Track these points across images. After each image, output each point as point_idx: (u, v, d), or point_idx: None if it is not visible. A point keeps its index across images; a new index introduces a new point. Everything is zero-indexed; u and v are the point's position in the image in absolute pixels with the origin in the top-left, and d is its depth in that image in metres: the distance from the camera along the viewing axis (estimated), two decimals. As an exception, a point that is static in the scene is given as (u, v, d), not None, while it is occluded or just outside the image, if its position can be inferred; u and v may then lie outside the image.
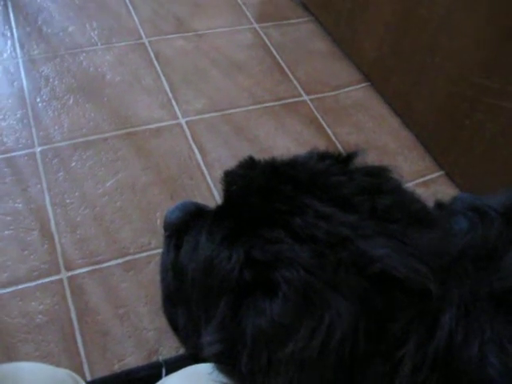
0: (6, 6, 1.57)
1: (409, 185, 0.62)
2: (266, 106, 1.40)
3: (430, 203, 0.61)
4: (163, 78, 1.42)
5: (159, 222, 1.10)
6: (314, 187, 0.58)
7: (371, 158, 1.26)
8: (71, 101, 1.33)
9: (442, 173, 1.33)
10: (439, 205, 0.64)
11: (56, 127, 1.26)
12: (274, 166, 0.65)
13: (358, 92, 1.51)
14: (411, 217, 0.55)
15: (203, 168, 1.23)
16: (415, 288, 0.45)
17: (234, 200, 0.64)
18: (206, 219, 0.65)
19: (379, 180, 0.61)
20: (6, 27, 1.51)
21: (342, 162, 0.65)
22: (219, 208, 0.66)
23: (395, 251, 0.48)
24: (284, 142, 1.33)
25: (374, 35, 1.45)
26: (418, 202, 0.60)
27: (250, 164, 0.74)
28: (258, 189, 0.60)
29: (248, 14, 1.68)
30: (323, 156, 0.67)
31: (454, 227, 0.54)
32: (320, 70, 1.54)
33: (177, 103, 1.36)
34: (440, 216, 0.58)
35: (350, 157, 0.65)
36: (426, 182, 1.32)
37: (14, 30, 1.50)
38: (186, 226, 0.70)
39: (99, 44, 1.49)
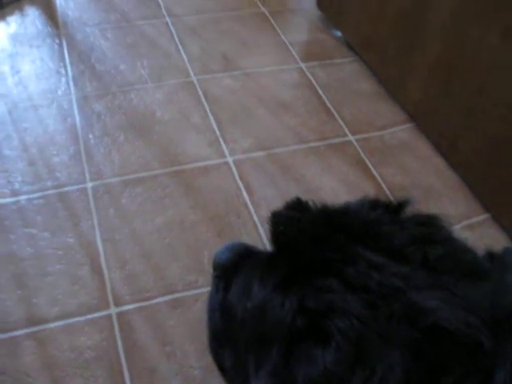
0: (61, 45, 1.66)
1: (455, 227, 0.64)
2: (312, 146, 1.44)
3: (477, 247, 0.63)
4: (211, 117, 1.47)
5: (207, 261, 1.14)
6: (366, 237, 0.60)
7: (416, 199, 1.27)
8: (122, 138, 1.39)
9: (488, 215, 1.33)
10: (490, 255, 0.65)
11: (107, 163, 1.32)
12: (327, 214, 0.67)
13: (403, 132, 1.53)
14: (463, 268, 0.56)
15: (250, 207, 1.26)
16: (467, 341, 0.46)
17: (285, 245, 0.67)
18: (257, 262, 0.68)
19: (430, 229, 0.63)
20: (61, 65, 1.59)
21: (393, 211, 0.67)
22: (271, 253, 0.69)
23: (447, 303, 0.49)
24: (330, 182, 1.36)
25: (420, 76, 1.47)
26: (469, 252, 0.62)
27: (297, 205, 0.77)
28: (312, 236, 0.62)
29: (294, 53, 1.73)
30: (374, 204, 0.69)
31: (506, 280, 0.56)
32: (365, 110, 1.57)
33: (224, 141, 1.41)
34: (492, 268, 0.60)
35: (401, 205, 0.67)
36: (471, 224, 1.33)
37: (69, 68, 1.58)
38: (235, 267, 0.73)
39: (149, 82, 1.55)
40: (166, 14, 1.84)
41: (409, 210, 0.66)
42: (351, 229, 0.62)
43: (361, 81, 1.66)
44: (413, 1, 1.41)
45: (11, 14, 1.80)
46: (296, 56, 1.71)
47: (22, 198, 1.24)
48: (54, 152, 1.34)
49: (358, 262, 0.55)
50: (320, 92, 1.60)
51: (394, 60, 1.54)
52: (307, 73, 1.66)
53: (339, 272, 0.54)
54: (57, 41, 1.68)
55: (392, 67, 1.57)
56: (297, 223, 0.67)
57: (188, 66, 1.62)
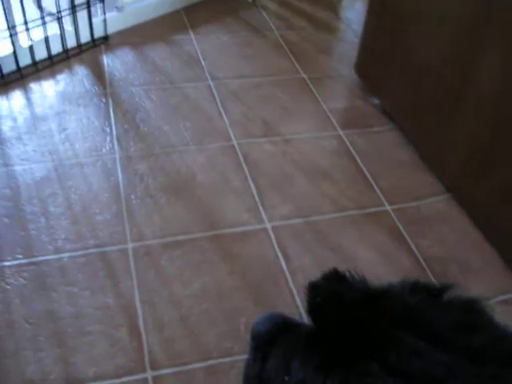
0: (107, 104, 1.75)
1: (489, 302, 0.67)
2: (349, 215, 1.48)
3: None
4: (251, 182, 1.53)
5: (243, 328, 1.17)
6: (408, 321, 0.64)
7: (452, 273, 1.30)
8: (163, 199, 1.45)
9: (524, 292, 1.35)
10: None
11: (148, 224, 1.38)
12: (368, 294, 0.71)
13: (439, 203, 1.57)
14: (505, 356, 0.59)
15: (287, 275, 1.30)
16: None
17: (324, 321, 0.70)
18: (297, 338, 0.72)
19: (473, 315, 0.66)
20: (107, 124, 1.68)
21: (435, 294, 0.70)
22: (310, 329, 0.72)
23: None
24: (366, 252, 1.39)
25: (459, 149, 1.51)
26: (511, 339, 0.64)
27: (334, 277, 0.81)
28: (353, 317, 0.66)
29: (333, 120, 1.79)
30: (416, 287, 0.72)
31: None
32: (402, 180, 1.61)
33: (263, 207, 1.46)
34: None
35: (443, 289, 0.71)
36: (507, 300, 1.34)
37: (114, 127, 1.67)
38: (273, 339, 0.76)
39: (191, 144, 1.62)
40: (209, 76, 1.93)
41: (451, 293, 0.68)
42: (392, 312, 0.65)
43: (398, 150, 1.71)
44: (453, 73, 1.46)
45: (61, 71, 1.91)
46: (335, 123, 1.77)
47: (65, 255, 1.30)
48: (97, 211, 1.40)
49: (400, 347, 0.58)
50: (358, 160, 1.65)
51: (433, 131, 1.59)
52: (346, 140, 1.71)
53: (381, 357, 0.57)
54: (103, 100, 1.77)
55: (430, 138, 1.61)
56: (337, 300, 0.69)
57: (229, 130, 1.69)
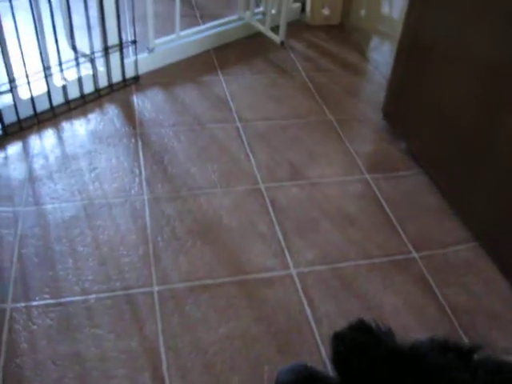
0: (136, 144, 1.78)
1: None
2: (376, 262, 1.48)
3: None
4: (277, 226, 1.54)
5: (266, 377, 1.17)
6: (436, 383, 0.64)
7: (480, 324, 1.29)
8: (190, 242, 1.46)
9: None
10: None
11: (174, 268, 1.39)
12: (395, 351, 0.70)
13: (467, 251, 1.55)
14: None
15: (312, 323, 1.30)
16: None
17: (350, 375, 0.70)
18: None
19: (503, 379, 0.66)
20: (136, 164, 1.71)
21: (466, 354, 0.70)
22: (336, 383, 0.72)
23: None
24: (392, 300, 1.39)
25: (488, 196, 1.51)
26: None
27: (360, 327, 0.81)
28: (380, 375, 0.66)
29: (360, 163, 1.80)
30: (445, 346, 0.72)
31: None
32: (429, 226, 1.61)
33: (289, 252, 1.46)
34: None
35: (473, 350, 0.70)
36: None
37: (142, 168, 1.69)
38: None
39: (219, 187, 1.64)
40: (237, 118, 1.96)
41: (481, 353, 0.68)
42: (421, 373, 0.64)
43: (425, 195, 1.71)
44: (484, 119, 1.46)
45: (92, 110, 1.95)
46: (361, 166, 1.78)
47: (91, 297, 1.31)
48: (124, 252, 1.42)
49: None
50: (384, 205, 1.65)
51: (461, 177, 1.59)
52: (372, 184, 1.71)
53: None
54: (133, 140, 1.80)
55: (458, 184, 1.61)
56: (362, 353, 0.69)
57: (256, 173, 1.70)
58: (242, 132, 1.89)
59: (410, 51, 1.76)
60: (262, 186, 1.67)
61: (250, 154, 1.79)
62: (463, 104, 1.54)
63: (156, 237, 1.47)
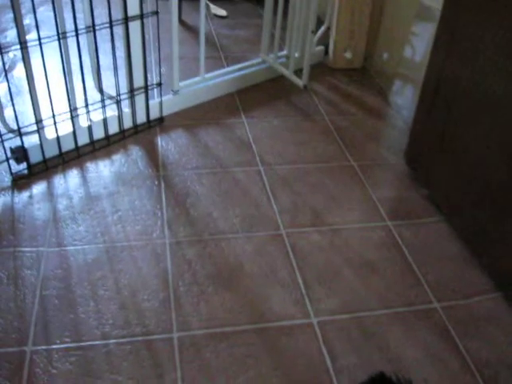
0: (159, 186, 1.81)
1: None
2: (397, 312, 1.47)
3: None
4: (298, 273, 1.54)
5: (286, 430, 1.16)
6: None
7: (503, 378, 1.27)
8: (210, 288, 1.47)
9: None
10: None
11: (194, 314, 1.40)
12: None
13: (490, 302, 1.54)
14: None
15: (332, 374, 1.29)
16: None
17: None
18: None
19: None
20: (158, 207, 1.73)
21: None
22: None
23: None
24: (413, 352, 1.37)
25: (511, 246, 1.50)
26: None
27: (380, 380, 0.81)
28: None
29: (381, 209, 1.80)
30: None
31: None
32: (451, 275, 1.60)
33: (309, 301, 1.46)
34: None
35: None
36: None
37: (165, 211, 1.71)
38: None
39: (240, 232, 1.65)
40: (259, 162, 1.98)
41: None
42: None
43: (447, 243, 1.71)
44: (509, 166, 1.46)
45: (116, 151, 1.98)
46: (383, 213, 1.78)
47: (111, 341, 1.32)
48: (145, 297, 1.43)
49: None
50: (406, 253, 1.64)
51: (484, 225, 1.58)
52: (394, 232, 1.71)
53: None
54: (156, 182, 1.83)
55: (481, 233, 1.61)
56: None
57: (278, 218, 1.71)
58: (264, 176, 1.91)
59: (433, 96, 1.77)
60: (283, 232, 1.67)
61: (272, 199, 1.80)
62: (488, 152, 1.55)
63: (177, 281, 1.48)
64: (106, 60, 1.99)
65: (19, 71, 2.45)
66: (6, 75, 1.79)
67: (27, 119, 2.10)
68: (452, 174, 1.72)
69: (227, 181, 1.86)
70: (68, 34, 1.73)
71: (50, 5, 1.66)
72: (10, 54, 2.63)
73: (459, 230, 1.73)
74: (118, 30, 1.86)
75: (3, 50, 1.63)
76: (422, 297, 1.52)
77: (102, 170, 1.88)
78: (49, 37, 1.67)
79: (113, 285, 1.46)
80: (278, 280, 1.51)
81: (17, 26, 1.62)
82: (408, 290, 1.53)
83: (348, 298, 1.48)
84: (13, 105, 1.75)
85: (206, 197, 1.78)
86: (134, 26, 1.87)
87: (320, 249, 1.62)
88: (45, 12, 3.12)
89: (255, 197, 1.80)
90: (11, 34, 2.82)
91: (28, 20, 2.79)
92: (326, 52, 2.73)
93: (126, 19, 1.84)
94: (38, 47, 1.65)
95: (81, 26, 1.75)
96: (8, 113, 2.02)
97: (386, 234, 1.71)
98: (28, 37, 1.65)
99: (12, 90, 2.33)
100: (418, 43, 2.25)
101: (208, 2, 3.32)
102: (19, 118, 2.09)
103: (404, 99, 2.36)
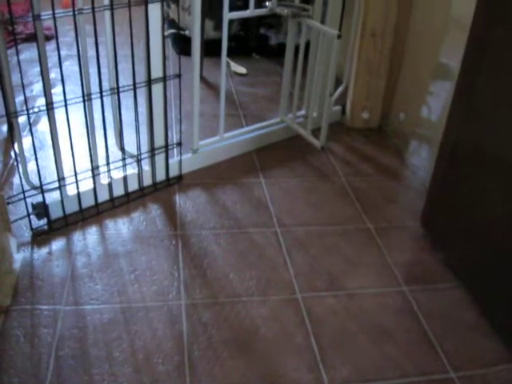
0: (176, 246, 1.83)
1: None
2: (412, 381, 1.46)
3: None
4: (313, 339, 1.54)
5: None
6: None
7: None
8: (225, 353, 1.47)
9: None
10: None
11: (209, 379, 1.40)
12: None
13: (507, 373, 1.53)
14: None
15: None
16: None
17: None
18: None
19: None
20: (175, 267, 1.75)
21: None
22: None
23: None
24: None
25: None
26: None
27: None
28: None
29: (397, 274, 1.80)
30: None
31: None
32: (467, 344, 1.59)
33: (324, 367, 1.46)
34: None
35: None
36: None
37: (181, 271, 1.73)
38: None
39: (256, 295, 1.66)
40: (276, 223, 2.00)
41: None
42: None
43: (464, 310, 1.70)
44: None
45: (135, 209, 2.02)
46: (399, 277, 1.79)
47: (125, 406, 1.32)
48: (160, 360, 1.44)
49: None
50: (422, 319, 1.64)
51: (502, 292, 1.58)
52: (409, 297, 1.72)
53: None
54: (173, 242, 1.85)
55: (498, 300, 1.60)
56: None
57: (294, 281, 1.73)
58: (280, 238, 1.93)
59: (450, 159, 1.79)
60: (298, 296, 1.68)
61: (288, 261, 1.81)
62: (504, 217, 1.55)
63: (192, 345, 1.49)
64: (128, 116, 2.04)
65: (43, 125, 2.51)
66: (30, 129, 1.84)
67: (49, 174, 2.16)
68: (468, 237, 1.73)
69: (244, 242, 1.88)
70: (93, 96, 1.78)
71: (76, 59, 1.72)
72: (36, 109, 2.71)
73: (475, 296, 1.72)
74: (142, 89, 1.91)
75: (30, 111, 1.69)
76: (437, 366, 1.51)
77: (121, 227, 1.91)
78: (74, 98, 1.73)
79: (128, 346, 1.47)
80: (293, 346, 1.51)
81: (44, 91, 1.68)
82: (424, 359, 1.53)
83: (363, 365, 1.48)
84: (36, 160, 1.80)
85: (222, 258, 1.80)
86: (157, 88, 1.93)
87: (335, 314, 1.63)
88: (70, 66, 3.22)
89: (271, 259, 1.82)
90: (37, 88, 2.91)
91: (54, 74, 2.86)
92: (344, 112, 2.78)
93: (150, 81, 1.90)
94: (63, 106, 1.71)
95: (105, 81, 1.80)
96: (31, 166, 2.07)
97: (401, 300, 1.71)
98: (53, 90, 1.70)
99: (36, 143, 2.39)
100: (435, 102, 2.28)
101: (229, 60, 3.40)
102: (42, 171, 2.14)
103: (420, 160, 2.39)
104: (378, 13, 2.47)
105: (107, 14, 1.75)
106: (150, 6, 1.78)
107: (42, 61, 1.64)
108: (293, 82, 2.47)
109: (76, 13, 1.63)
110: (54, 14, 1.58)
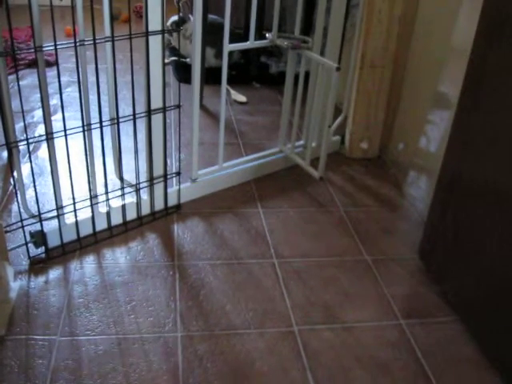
0: (174, 277, 1.83)
1: None
2: (409, 418, 1.45)
3: None
4: (309, 373, 1.54)
5: None
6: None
7: None
8: (220, 387, 1.46)
9: None
10: None
11: (203, 414, 1.39)
12: None
13: (506, 409, 1.52)
14: None
15: None
16: None
17: None
18: None
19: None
20: (172, 299, 1.74)
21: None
22: None
23: None
24: None
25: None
26: None
27: None
28: None
29: (395, 307, 1.80)
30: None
31: None
32: (465, 379, 1.58)
33: (320, 404, 1.45)
34: None
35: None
36: None
37: (178, 303, 1.73)
38: None
39: (252, 327, 1.66)
40: (273, 253, 2.00)
41: None
42: None
43: (461, 345, 1.70)
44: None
45: (133, 238, 2.02)
46: (396, 311, 1.78)
47: None
48: (155, 394, 1.43)
49: None
50: (419, 354, 1.64)
51: (501, 328, 1.57)
52: (407, 331, 1.71)
53: None
54: (170, 272, 1.85)
55: (497, 335, 1.59)
56: None
57: (290, 314, 1.72)
58: (278, 269, 1.93)
59: (448, 191, 1.80)
60: (295, 329, 1.68)
61: (285, 293, 1.81)
62: (503, 251, 1.55)
63: (187, 379, 1.48)
64: (127, 141, 2.06)
65: (43, 151, 2.53)
66: (29, 157, 1.85)
67: (48, 200, 2.16)
68: (466, 271, 1.73)
69: (241, 273, 1.88)
70: (92, 126, 1.79)
71: (77, 85, 1.73)
72: (36, 134, 2.73)
73: (474, 331, 1.72)
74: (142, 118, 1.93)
75: (30, 140, 1.70)
76: (435, 405, 1.50)
77: (118, 256, 1.91)
78: (74, 128, 1.74)
79: (122, 379, 1.46)
80: (289, 380, 1.51)
81: (45, 121, 1.69)
82: (421, 395, 1.51)
83: (359, 401, 1.47)
84: (35, 188, 1.81)
85: (219, 289, 1.80)
86: (157, 118, 1.95)
87: (332, 348, 1.62)
88: (71, 93, 3.25)
89: (268, 290, 1.81)
90: (39, 114, 2.93)
91: (55, 100, 2.90)
92: (343, 141, 2.80)
93: (149, 112, 1.92)
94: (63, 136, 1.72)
95: (105, 107, 1.81)
96: (30, 193, 2.08)
97: (398, 334, 1.70)
98: (55, 117, 1.72)
99: (35, 169, 2.41)
100: (434, 132, 2.30)
101: (229, 88, 3.43)
102: (41, 197, 2.15)
103: (419, 191, 2.39)
104: (377, 44, 2.50)
105: (108, 44, 1.77)
106: (151, 37, 1.80)
107: (43, 94, 1.66)
108: (292, 112, 2.49)
109: (77, 44, 1.65)
110: (55, 45, 1.60)
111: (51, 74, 1.82)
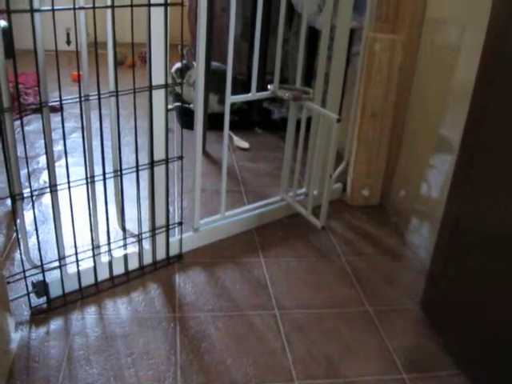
0: (175, 329, 1.83)
1: None
2: None
3: None
4: (310, 431, 1.52)
5: None
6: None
7: None
8: None
9: None
10: None
11: None
12: None
13: None
14: None
15: None
16: None
17: None
18: None
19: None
20: (172, 352, 1.74)
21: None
22: None
23: None
24: None
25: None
26: None
27: None
28: None
29: (397, 361, 1.79)
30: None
31: None
32: None
33: None
34: None
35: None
36: None
37: (179, 356, 1.72)
38: None
39: (253, 382, 1.65)
40: (275, 305, 2.00)
41: None
42: None
43: (465, 400, 1.68)
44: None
45: (135, 288, 2.03)
46: (398, 364, 1.77)
47: None
48: None
49: None
50: (422, 411, 1.62)
51: (503, 381, 1.56)
52: (409, 386, 1.70)
53: None
54: (171, 324, 1.85)
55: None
56: None
57: (292, 368, 1.71)
58: (279, 321, 1.92)
59: (451, 239, 1.80)
60: (296, 384, 1.67)
61: (287, 346, 1.81)
62: (506, 304, 1.55)
63: None
64: (130, 189, 2.07)
65: (47, 199, 2.54)
66: (33, 206, 1.87)
67: (50, 249, 2.17)
68: (469, 323, 1.73)
69: (242, 325, 1.88)
70: (96, 178, 1.82)
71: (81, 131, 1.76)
72: (41, 181, 2.76)
73: (477, 385, 1.70)
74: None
75: (34, 193, 1.72)
76: None
77: (120, 307, 1.91)
78: (77, 180, 1.76)
79: None
80: None
81: (49, 173, 1.72)
82: None
83: None
84: (37, 238, 1.82)
85: (220, 342, 1.79)
86: (159, 169, 1.97)
87: (333, 404, 1.61)
88: (77, 139, 3.29)
89: (270, 343, 1.81)
90: (44, 160, 2.96)
91: (60, 146, 2.93)
92: (344, 189, 2.81)
93: (152, 164, 1.94)
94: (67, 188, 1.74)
95: (109, 154, 1.83)
96: (33, 240, 2.09)
97: (401, 389, 1.69)
98: (59, 163, 1.73)
99: (38, 216, 2.42)
100: (436, 178, 2.31)
101: (231, 134, 3.47)
102: (44, 245, 2.16)
103: (421, 239, 2.40)
104: (377, 93, 2.54)
105: (112, 98, 1.80)
106: (154, 91, 1.83)
107: (48, 144, 1.68)
108: (294, 158, 2.51)
109: (82, 99, 1.68)
110: (60, 101, 1.63)
111: (57, 119, 1.85)
